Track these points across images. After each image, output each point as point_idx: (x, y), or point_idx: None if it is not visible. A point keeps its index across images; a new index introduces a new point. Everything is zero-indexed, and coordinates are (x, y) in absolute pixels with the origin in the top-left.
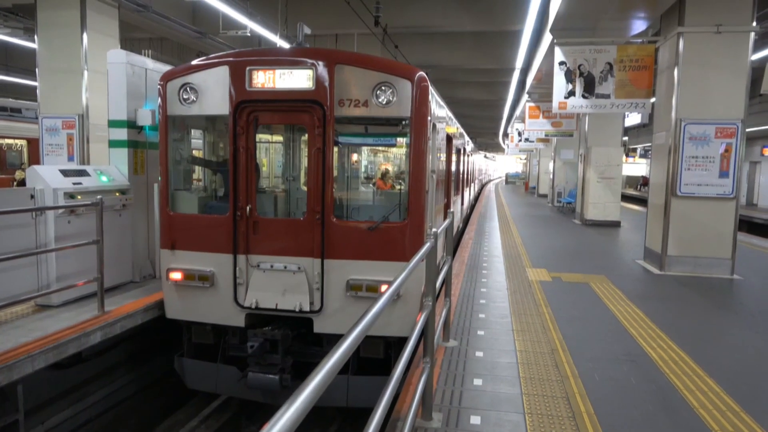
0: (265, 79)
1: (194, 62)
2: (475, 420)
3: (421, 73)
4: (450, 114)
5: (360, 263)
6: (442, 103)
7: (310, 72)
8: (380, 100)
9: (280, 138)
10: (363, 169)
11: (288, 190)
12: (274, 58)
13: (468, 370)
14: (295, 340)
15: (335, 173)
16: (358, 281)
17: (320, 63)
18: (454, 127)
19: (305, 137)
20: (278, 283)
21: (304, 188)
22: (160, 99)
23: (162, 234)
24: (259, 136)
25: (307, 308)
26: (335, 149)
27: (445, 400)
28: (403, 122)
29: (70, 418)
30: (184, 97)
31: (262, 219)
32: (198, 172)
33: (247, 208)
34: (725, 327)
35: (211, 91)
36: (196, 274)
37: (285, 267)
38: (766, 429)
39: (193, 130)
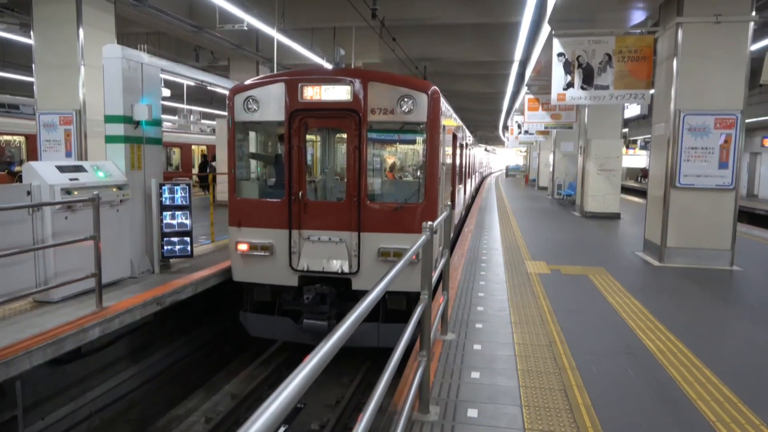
0: (313, 93)
1: (254, 80)
2: (473, 413)
3: (435, 87)
4: (453, 113)
5: (388, 235)
6: (448, 106)
7: (349, 87)
8: (403, 108)
9: (320, 138)
10: (388, 163)
11: (328, 179)
12: (320, 77)
13: (466, 363)
14: (336, 297)
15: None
16: (387, 249)
17: (356, 80)
18: (457, 123)
19: (340, 137)
20: (324, 252)
21: (338, 177)
22: (228, 109)
23: (230, 215)
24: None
25: (347, 270)
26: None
27: (442, 393)
28: (420, 126)
29: (70, 413)
30: (248, 107)
31: (311, 202)
32: (255, 165)
33: (300, 193)
34: (724, 318)
35: (270, 102)
36: (258, 245)
37: (329, 239)
38: (764, 420)
39: (251, 133)
